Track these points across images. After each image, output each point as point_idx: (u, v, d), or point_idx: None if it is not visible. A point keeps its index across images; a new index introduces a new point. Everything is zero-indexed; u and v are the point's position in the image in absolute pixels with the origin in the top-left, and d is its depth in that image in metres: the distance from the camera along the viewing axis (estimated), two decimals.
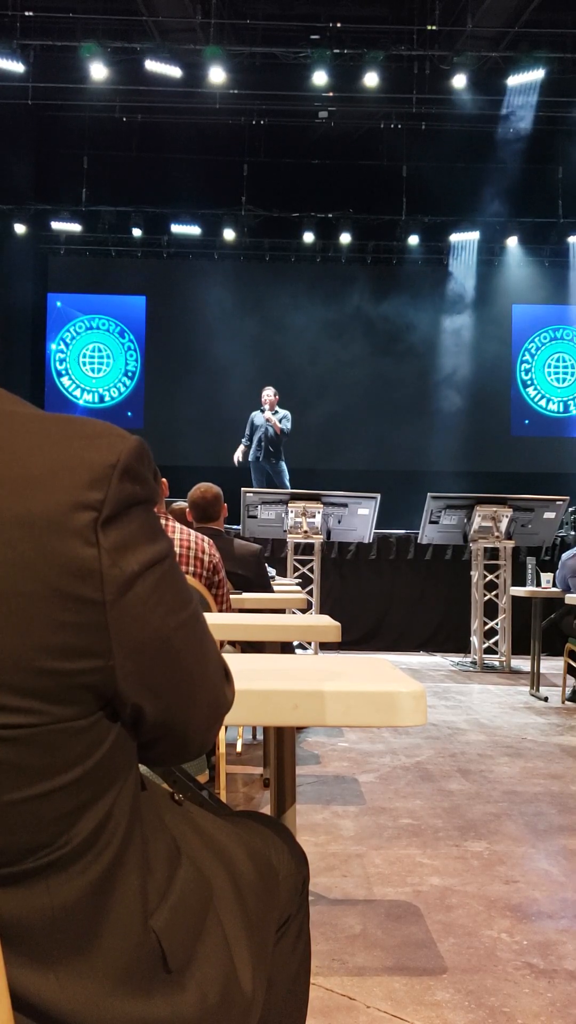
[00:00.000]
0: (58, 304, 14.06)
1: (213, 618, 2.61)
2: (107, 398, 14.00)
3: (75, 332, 14.04)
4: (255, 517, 8.17)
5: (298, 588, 5.83)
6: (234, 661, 1.05)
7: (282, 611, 3.98)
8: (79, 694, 0.73)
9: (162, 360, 13.77)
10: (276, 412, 10.41)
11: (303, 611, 7.06)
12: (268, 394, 10.48)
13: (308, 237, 13.26)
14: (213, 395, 13.34)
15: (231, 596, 3.54)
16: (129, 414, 13.84)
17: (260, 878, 1.04)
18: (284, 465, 10.56)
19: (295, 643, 6.64)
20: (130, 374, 14.02)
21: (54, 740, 0.72)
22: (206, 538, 3.38)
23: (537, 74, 10.88)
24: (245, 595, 3.80)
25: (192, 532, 3.34)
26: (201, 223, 13.17)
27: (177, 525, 3.33)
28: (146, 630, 0.76)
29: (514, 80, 11.03)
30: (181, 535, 3.29)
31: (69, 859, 0.75)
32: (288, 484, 10.43)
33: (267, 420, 10.36)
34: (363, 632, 8.99)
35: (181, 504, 4.92)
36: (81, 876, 0.76)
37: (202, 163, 12.81)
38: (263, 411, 10.44)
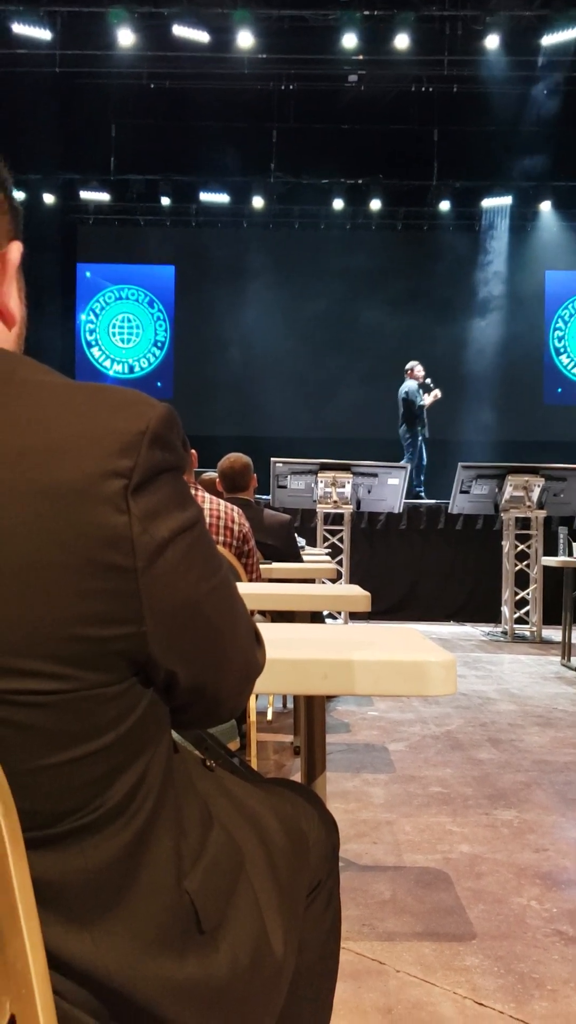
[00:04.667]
0: (87, 274, 14.06)
1: (243, 587, 2.62)
2: (137, 368, 14.02)
3: (104, 302, 14.04)
4: (285, 487, 8.17)
5: (328, 558, 5.83)
6: (264, 630, 1.06)
7: (312, 581, 3.99)
8: (112, 660, 0.74)
9: (192, 330, 13.74)
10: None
11: (333, 581, 7.07)
12: (422, 369, 10.41)
13: (338, 204, 13.11)
14: (243, 364, 13.31)
15: (261, 566, 3.55)
16: (159, 384, 13.85)
17: (291, 843, 1.05)
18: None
19: (325, 613, 6.65)
20: (159, 344, 14.02)
21: (88, 706, 0.73)
22: (236, 508, 3.38)
23: (572, 33, 10.63)
24: (275, 565, 3.81)
25: (222, 502, 3.34)
26: (230, 191, 13.07)
27: (207, 495, 3.34)
28: (177, 596, 0.76)
29: (548, 40, 10.79)
30: (211, 505, 3.29)
31: (103, 822, 0.76)
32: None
33: (435, 397, 10.30)
34: (393, 602, 8.99)
35: (211, 474, 4.93)
36: (115, 839, 0.77)
37: (230, 130, 12.68)
38: (429, 388, 10.32)
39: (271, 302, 13.29)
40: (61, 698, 0.72)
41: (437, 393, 10.50)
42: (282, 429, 12.69)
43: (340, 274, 13.34)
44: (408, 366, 10.63)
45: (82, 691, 0.72)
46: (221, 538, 3.29)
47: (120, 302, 14.07)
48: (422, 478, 10.57)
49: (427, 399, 10.50)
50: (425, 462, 10.64)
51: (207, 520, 3.22)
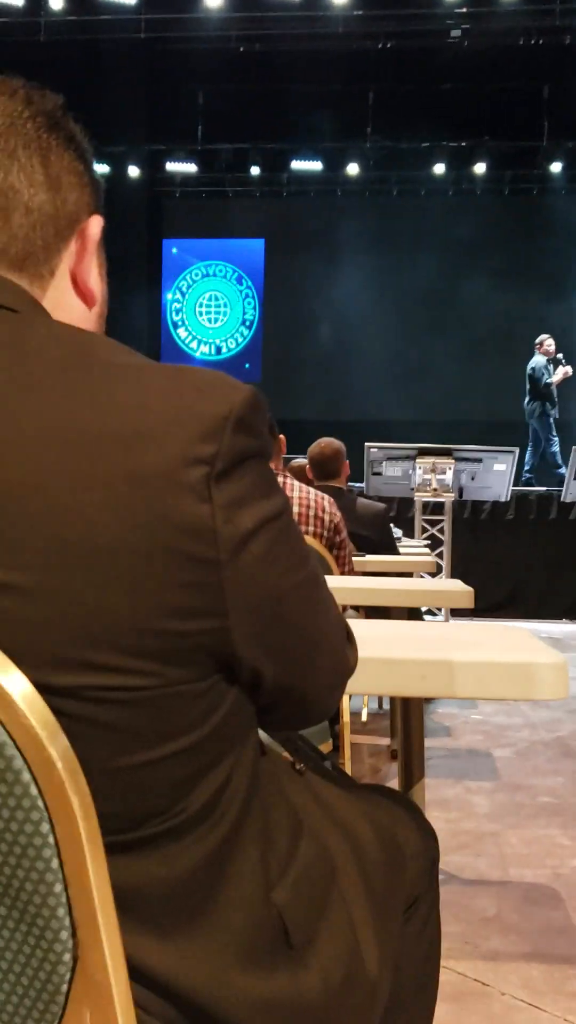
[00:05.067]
0: (173, 251, 14.23)
1: (334, 581, 2.62)
2: (224, 349, 14.14)
3: (191, 280, 14.20)
4: (380, 474, 8.12)
5: (427, 550, 5.78)
6: (358, 627, 1.05)
7: (409, 575, 3.97)
8: (195, 656, 0.74)
9: (282, 307, 13.78)
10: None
11: (432, 575, 7.00)
12: (553, 344, 10.27)
13: (439, 168, 12.94)
14: (336, 343, 13.30)
15: (354, 559, 3.54)
16: (247, 366, 13.95)
17: (386, 855, 1.04)
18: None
19: (424, 609, 6.61)
20: (248, 323, 14.10)
21: (170, 703, 0.74)
22: (326, 496, 3.38)
23: None
24: (369, 557, 3.80)
25: (311, 490, 3.35)
26: (323, 158, 13.03)
27: (296, 483, 3.35)
28: (261, 590, 0.76)
29: None
30: (300, 493, 3.30)
31: (185, 828, 0.77)
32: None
33: (566, 375, 10.15)
34: (499, 598, 8.86)
35: (300, 461, 4.93)
36: (198, 846, 0.77)
37: (324, 93, 12.63)
38: (560, 362, 10.17)
39: (367, 276, 13.23)
40: (142, 695, 0.72)
41: (568, 370, 10.22)
42: (377, 412, 12.65)
43: (441, 244, 13.19)
44: (538, 340, 10.41)
45: (164, 688, 0.73)
46: (311, 528, 3.29)
47: (207, 279, 14.20)
48: (558, 460, 10.25)
49: (556, 376, 10.25)
50: (557, 446, 10.31)
51: (295, 509, 3.23)
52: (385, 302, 13.16)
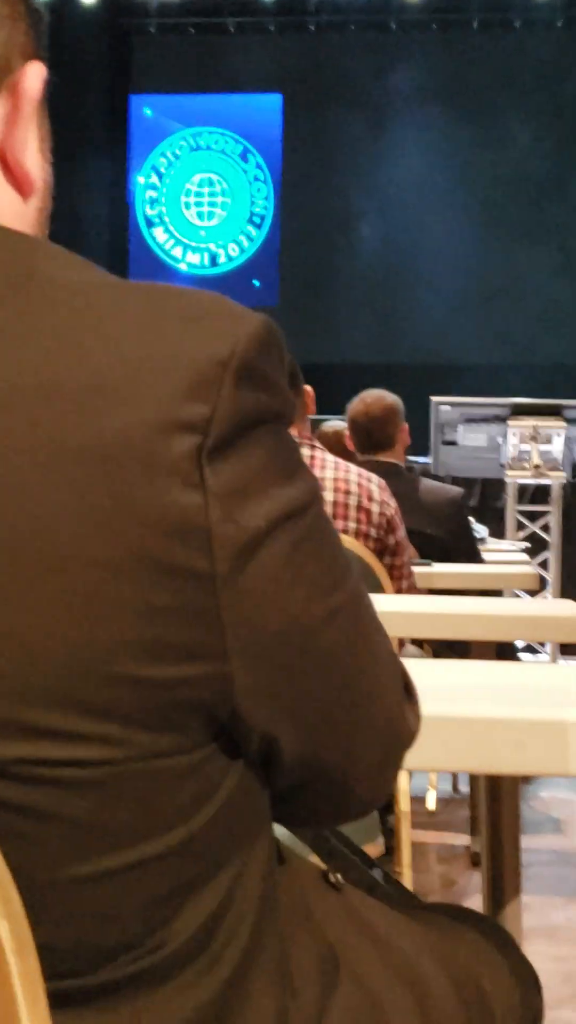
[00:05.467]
0: (147, 112, 14.24)
1: (387, 602, 2.61)
2: (222, 259, 14.15)
3: (173, 156, 14.20)
4: (454, 444, 8.11)
5: (525, 557, 5.76)
6: (422, 673, 1.06)
7: (499, 593, 3.96)
8: (179, 716, 0.74)
9: (307, 197, 13.75)
10: None
11: (533, 594, 6.98)
12: None
13: None
14: (387, 254, 13.26)
15: (416, 569, 3.54)
16: (257, 283, 13.95)
17: (465, 1009, 1.05)
18: None
19: (521, 645, 6.59)
20: (257, 220, 14.10)
21: (142, 786, 0.74)
22: (375, 477, 3.38)
23: None
24: (438, 567, 3.79)
25: (352, 468, 3.35)
26: None
27: (329, 458, 3.35)
28: (279, 620, 0.76)
29: None
30: (335, 473, 3.30)
31: (167, 970, 0.77)
32: None
33: None
34: None
35: (336, 425, 4.92)
36: (186, 996, 0.78)
37: None
38: None
39: (432, 153, 13.19)
40: (102, 773, 0.73)
41: None
42: (448, 353, 12.62)
43: (545, 107, 13.11)
44: None
45: (134, 763, 0.73)
46: (351, 526, 3.30)
47: (197, 154, 14.21)
48: None
49: None
50: None
51: (328, 498, 3.23)
52: (458, 193, 13.09)
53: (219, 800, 0.77)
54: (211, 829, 0.77)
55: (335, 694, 0.82)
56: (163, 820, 0.75)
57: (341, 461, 3.39)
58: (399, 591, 3.34)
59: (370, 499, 3.32)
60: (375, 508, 3.32)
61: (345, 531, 3.26)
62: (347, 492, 3.31)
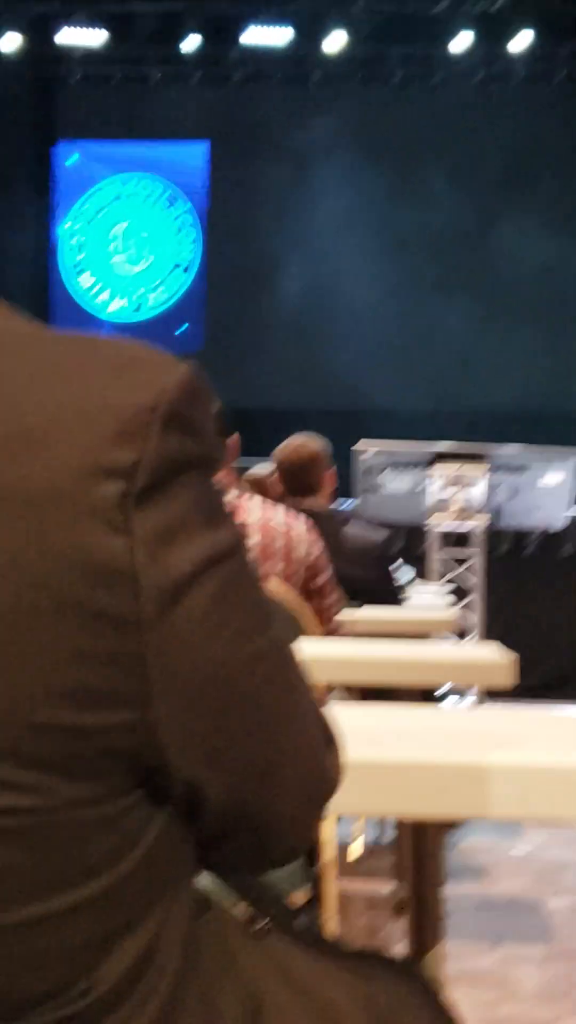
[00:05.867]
0: (73, 158, 14.25)
1: (314, 646, 2.61)
2: (148, 304, 14.15)
3: (99, 202, 14.22)
4: (379, 488, 8.16)
5: (448, 600, 5.80)
6: (347, 717, 1.06)
7: (424, 636, 3.97)
8: (104, 764, 0.74)
9: (235, 243, 13.81)
10: None
11: (459, 638, 7.01)
12: None
13: (463, 40, 13.01)
14: (312, 299, 13.32)
15: (341, 612, 3.54)
16: (184, 327, 13.97)
17: None
18: None
19: (443, 689, 6.61)
20: (185, 266, 14.14)
21: (64, 834, 0.74)
22: (301, 518, 3.39)
23: None
24: (365, 611, 3.80)
25: (279, 511, 3.35)
26: (293, 22, 13.08)
27: (256, 501, 3.35)
28: (204, 665, 0.76)
29: None
30: (261, 516, 3.30)
31: (91, 1017, 0.76)
32: None
33: None
34: (552, 674, 8.89)
35: (258, 472, 4.93)
36: None
37: None
38: None
39: (356, 201, 13.28)
40: (23, 822, 0.72)
41: None
42: (374, 398, 12.68)
43: (464, 157, 13.28)
44: None
45: (56, 812, 0.73)
46: (280, 566, 3.29)
47: (123, 202, 14.23)
48: None
49: None
50: None
51: (255, 540, 3.23)
52: (383, 239, 13.22)
53: (143, 847, 0.77)
54: (136, 876, 0.77)
55: (258, 740, 0.82)
56: (88, 868, 0.75)
57: (268, 502, 3.39)
58: (327, 634, 3.34)
59: (296, 541, 3.32)
60: (301, 549, 3.32)
61: (272, 573, 3.26)
62: (272, 536, 3.30)
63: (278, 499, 4.23)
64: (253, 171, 13.63)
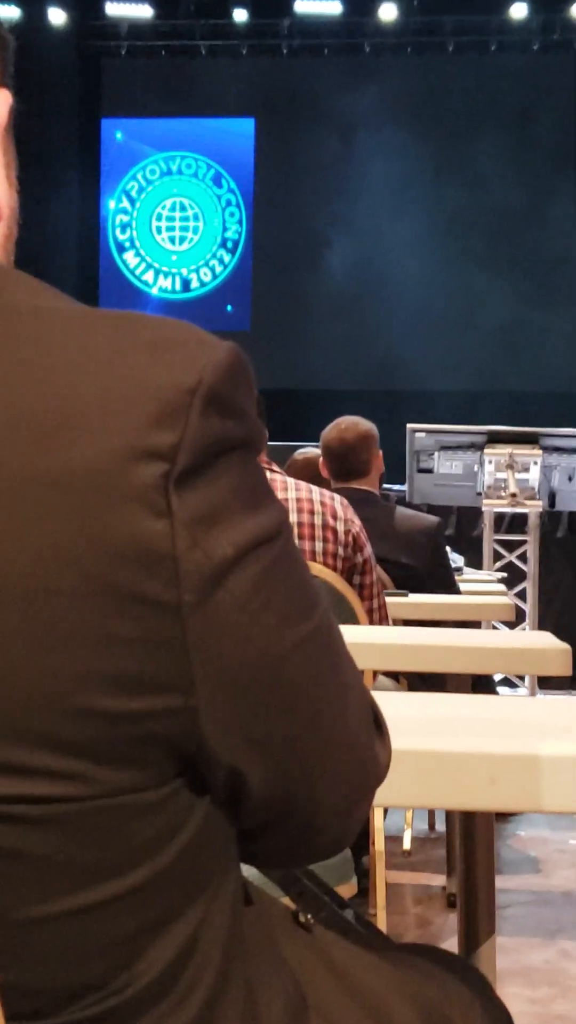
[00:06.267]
0: (118, 136, 14.27)
1: (361, 633, 2.61)
2: (195, 284, 14.18)
3: (145, 180, 14.24)
4: (429, 471, 8.12)
5: (502, 588, 5.77)
6: (395, 706, 1.06)
7: (475, 625, 3.96)
8: (145, 750, 0.74)
9: (280, 222, 13.80)
10: None
11: (511, 626, 6.98)
12: None
13: (519, 10, 12.93)
14: (362, 278, 13.28)
15: (389, 600, 3.54)
16: (229, 308, 13.98)
17: None
18: None
19: (498, 678, 6.59)
20: (231, 245, 14.14)
21: (105, 823, 0.74)
22: (337, 496, 3.38)
23: None
24: (414, 597, 3.79)
25: (315, 488, 3.35)
26: None
27: (290, 480, 3.34)
28: (246, 650, 0.76)
29: None
30: (298, 493, 3.29)
31: (132, 1011, 0.77)
32: None
33: None
34: None
35: (307, 452, 4.92)
36: None
37: None
38: None
39: (406, 177, 13.23)
40: (65, 810, 0.72)
41: None
42: (425, 380, 12.67)
43: (515, 130, 13.18)
44: None
45: (96, 800, 0.73)
46: (319, 545, 3.29)
47: (169, 179, 14.24)
48: None
49: None
50: None
51: (293, 519, 3.23)
52: (432, 215, 13.17)
53: (185, 837, 0.77)
54: (177, 867, 0.77)
55: (303, 726, 0.82)
56: (128, 858, 0.75)
57: (302, 482, 3.39)
58: (370, 611, 3.34)
59: (335, 517, 3.32)
60: (340, 527, 3.32)
61: (313, 551, 3.26)
62: (311, 512, 3.30)
63: (325, 482, 4.23)
64: (299, 147, 13.62)
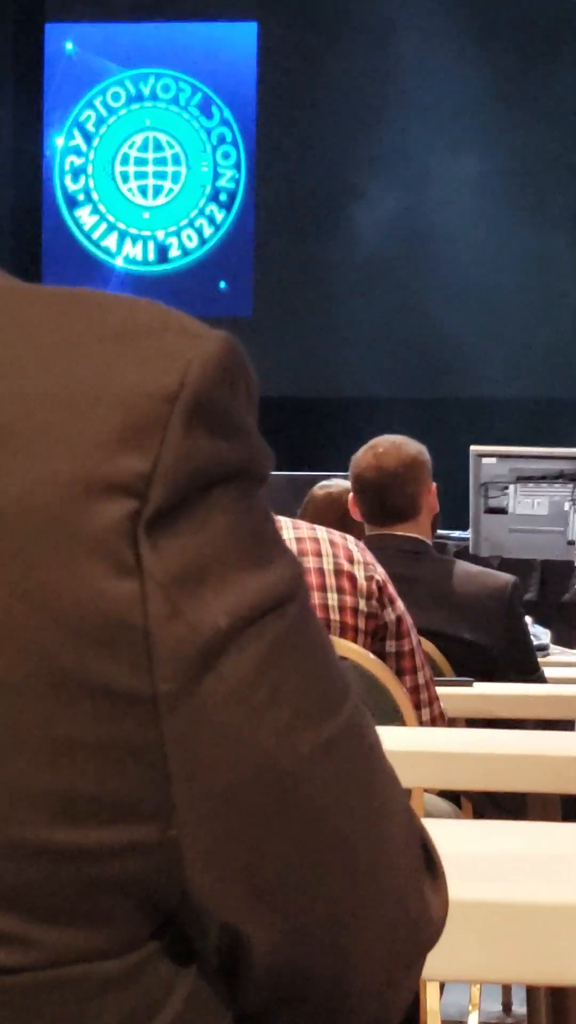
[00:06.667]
0: (68, 47, 14.35)
1: (405, 737, 2.61)
2: (174, 252, 14.21)
3: (105, 109, 14.29)
4: (502, 512, 8.13)
5: None
6: (454, 836, 1.06)
7: (569, 725, 3.96)
8: (105, 903, 0.74)
9: (293, 168, 13.85)
10: None
11: None
12: None
13: None
14: (401, 246, 13.28)
15: (447, 689, 3.54)
16: (222, 286, 14.03)
17: None
18: None
19: None
20: (224, 199, 14.20)
21: (51, 1006, 0.74)
22: (349, 536, 3.40)
23: None
24: (480, 687, 3.80)
25: (318, 527, 3.37)
26: None
27: (284, 519, 3.36)
28: (247, 761, 0.76)
29: None
30: (296, 533, 3.31)
31: None
32: None
33: None
34: None
35: (333, 485, 4.93)
36: None
37: None
38: None
39: (465, 105, 13.26)
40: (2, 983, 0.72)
41: None
42: (489, 384, 12.66)
43: None
44: None
45: (38, 970, 0.73)
46: (333, 598, 3.30)
47: (140, 106, 14.29)
48: None
49: None
50: None
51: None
52: (502, 161, 13.20)
53: (165, 1021, 0.77)
54: None
55: (325, 869, 0.81)
56: None
57: (302, 521, 3.41)
58: (417, 704, 3.33)
59: (351, 560, 3.33)
60: (359, 572, 3.33)
61: (325, 607, 3.26)
62: (319, 554, 3.31)
63: (357, 527, 4.24)
64: (318, 63, 13.60)
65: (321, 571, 3.27)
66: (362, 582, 3.30)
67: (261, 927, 0.79)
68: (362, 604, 3.29)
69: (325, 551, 3.29)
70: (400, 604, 3.37)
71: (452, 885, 0.96)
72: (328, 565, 3.28)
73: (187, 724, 0.73)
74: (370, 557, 3.36)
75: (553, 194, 13.15)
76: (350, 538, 3.38)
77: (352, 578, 3.29)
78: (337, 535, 3.34)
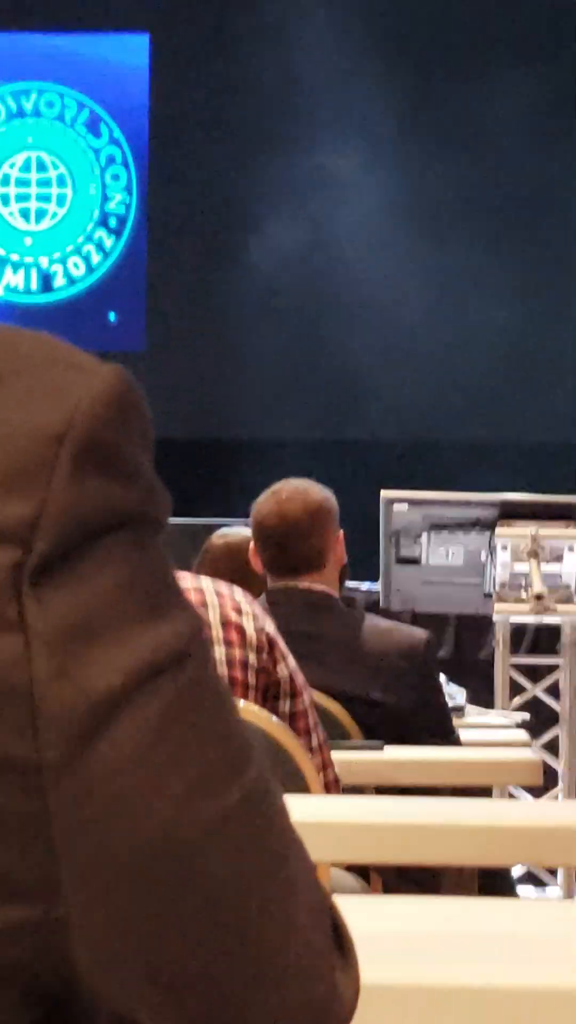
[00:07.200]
0: None
1: (306, 807, 2.61)
2: (59, 281, 14.20)
3: None
4: (414, 562, 8.15)
5: (523, 736, 5.80)
6: (364, 914, 1.06)
7: (488, 792, 3.97)
8: None
9: (191, 189, 13.89)
10: None
11: (536, 792, 6.99)
12: None
13: None
14: (311, 273, 13.35)
15: (356, 754, 3.54)
16: (112, 318, 14.02)
17: None
18: None
19: (516, 872, 6.59)
20: (114, 224, 14.21)
21: None
22: (236, 587, 3.40)
23: None
24: (390, 751, 3.80)
25: (203, 577, 3.39)
26: None
27: (186, 575, 3.37)
28: (142, 832, 0.76)
29: None
30: (181, 583, 3.32)
31: None
32: None
33: None
34: None
35: (232, 534, 4.93)
36: None
37: None
38: None
39: (380, 125, 13.34)
40: None
41: None
42: (402, 425, 12.71)
43: (546, 59, 13.39)
44: None
45: None
46: (219, 651, 3.30)
47: (21, 123, 14.30)
48: None
49: None
50: None
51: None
52: (418, 185, 13.29)
53: None
54: None
55: (226, 949, 0.81)
56: None
57: (184, 572, 3.41)
58: (328, 788, 3.33)
59: (238, 611, 3.34)
60: (248, 623, 3.33)
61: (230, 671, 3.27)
62: (204, 604, 3.31)
63: (258, 580, 4.24)
64: (216, 81, 13.65)
65: (217, 626, 3.27)
66: (251, 634, 3.30)
67: (155, 1015, 0.79)
68: (252, 658, 3.29)
69: (211, 602, 3.29)
70: (292, 660, 3.38)
71: (363, 967, 0.95)
72: (213, 616, 3.28)
73: (75, 795, 0.73)
74: (259, 609, 3.36)
75: (461, 221, 13.20)
76: (237, 588, 3.38)
77: (240, 630, 3.29)
78: (224, 585, 3.35)
